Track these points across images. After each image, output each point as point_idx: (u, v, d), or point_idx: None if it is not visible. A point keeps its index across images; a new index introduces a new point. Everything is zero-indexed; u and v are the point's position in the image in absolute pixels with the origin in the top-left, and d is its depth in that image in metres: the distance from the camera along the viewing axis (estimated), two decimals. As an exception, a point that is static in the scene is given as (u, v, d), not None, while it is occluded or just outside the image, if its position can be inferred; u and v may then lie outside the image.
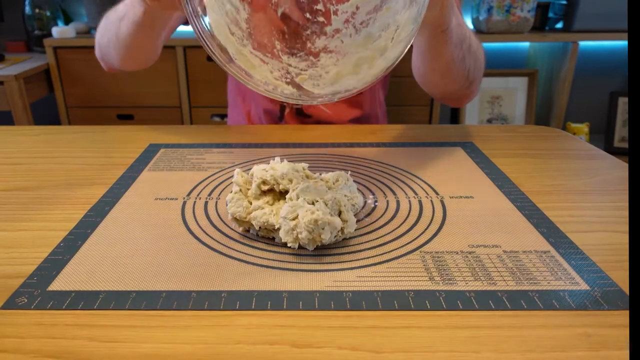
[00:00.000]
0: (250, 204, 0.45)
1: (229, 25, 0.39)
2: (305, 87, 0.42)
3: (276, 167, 0.46)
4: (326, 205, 0.42)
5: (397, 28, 0.39)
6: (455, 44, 0.61)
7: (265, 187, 0.46)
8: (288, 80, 0.41)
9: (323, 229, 0.40)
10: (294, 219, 0.41)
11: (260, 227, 0.44)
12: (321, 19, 0.38)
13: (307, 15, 0.38)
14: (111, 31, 0.71)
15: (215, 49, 0.40)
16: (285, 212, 0.41)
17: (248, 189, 0.47)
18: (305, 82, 0.41)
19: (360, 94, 0.88)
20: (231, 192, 0.46)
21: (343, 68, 0.41)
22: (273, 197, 0.46)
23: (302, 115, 0.89)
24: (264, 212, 0.43)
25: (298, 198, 0.43)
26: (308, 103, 0.44)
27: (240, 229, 0.46)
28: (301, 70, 0.41)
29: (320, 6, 0.37)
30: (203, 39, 0.40)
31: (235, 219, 0.45)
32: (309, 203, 0.42)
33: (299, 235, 0.40)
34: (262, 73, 0.41)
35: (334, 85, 0.42)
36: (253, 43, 0.41)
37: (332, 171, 0.53)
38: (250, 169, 0.61)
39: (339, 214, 0.43)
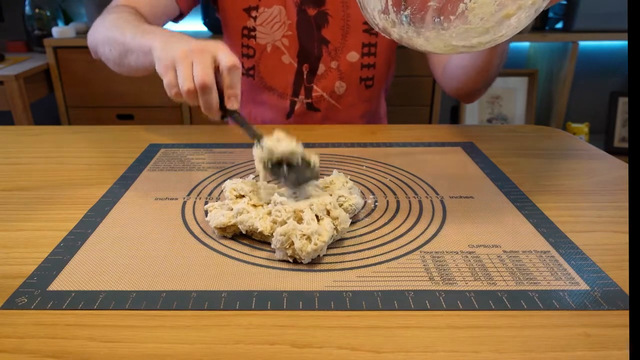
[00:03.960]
0: (231, 209, 0.45)
1: None
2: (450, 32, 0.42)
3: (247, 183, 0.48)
4: (311, 209, 0.42)
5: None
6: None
7: (236, 193, 0.47)
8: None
9: (322, 249, 0.40)
10: (290, 246, 0.40)
11: (246, 231, 0.44)
12: None
13: None
14: (113, 50, 0.68)
15: None
16: (279, 243, 0.40)
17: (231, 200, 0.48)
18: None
19: (372, 87, 0.88)
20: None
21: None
22: (249, 202, 0.46)
23: (312, 110, 0.90)
24: (250, 216, 0.43)
25: (281, 213, 0.42)
26: (410, 43, 0.44)
27: (229, 236, 0.45)
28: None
29: None
30: None
31: (220, 229, 0.44)
32: (295, 215, 0.42)
33: (301, 261, 0.40)
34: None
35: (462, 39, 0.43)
36: None
37: (332, 171, 0.53)
38: (251, 170, 0.61)
39: (328, 213, 0.43)
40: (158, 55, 0.55)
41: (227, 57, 0.52)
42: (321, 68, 0.87)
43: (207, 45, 0.53)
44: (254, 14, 0.83)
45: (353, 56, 0.86)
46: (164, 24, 0.82)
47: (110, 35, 0.68)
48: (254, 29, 0.84)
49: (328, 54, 0.86)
